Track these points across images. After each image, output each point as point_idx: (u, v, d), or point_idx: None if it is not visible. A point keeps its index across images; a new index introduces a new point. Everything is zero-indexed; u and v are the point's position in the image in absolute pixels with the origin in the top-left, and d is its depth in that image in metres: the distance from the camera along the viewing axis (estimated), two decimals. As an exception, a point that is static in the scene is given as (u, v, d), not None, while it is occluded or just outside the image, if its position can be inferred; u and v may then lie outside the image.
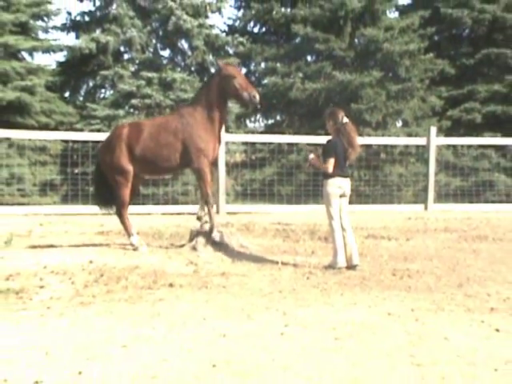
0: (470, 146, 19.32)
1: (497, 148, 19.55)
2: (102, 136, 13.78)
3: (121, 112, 17.66)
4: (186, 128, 9.76)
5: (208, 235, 9.85)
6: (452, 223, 13.48)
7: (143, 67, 19.02)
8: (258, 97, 9.60)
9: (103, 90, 21.17)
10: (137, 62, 19.25)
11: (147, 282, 7.81)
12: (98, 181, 10.36)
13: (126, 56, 20.20)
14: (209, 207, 9.83)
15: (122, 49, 19.79)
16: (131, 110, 18.04)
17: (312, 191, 16.72)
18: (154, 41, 19.75)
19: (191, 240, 10.01)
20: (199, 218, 10.12)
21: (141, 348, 5.50)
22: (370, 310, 6.80)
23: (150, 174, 10.36)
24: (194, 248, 9.79)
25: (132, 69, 18.84)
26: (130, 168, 9.82)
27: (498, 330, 6.18)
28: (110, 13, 19.84)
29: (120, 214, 10.06)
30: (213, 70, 19.80)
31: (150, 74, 18.30)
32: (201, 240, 9.82)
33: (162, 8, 18.89)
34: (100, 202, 10.55)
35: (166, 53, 20.76)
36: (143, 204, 15.18)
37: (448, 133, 19.00)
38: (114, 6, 19.76)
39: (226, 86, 9.70)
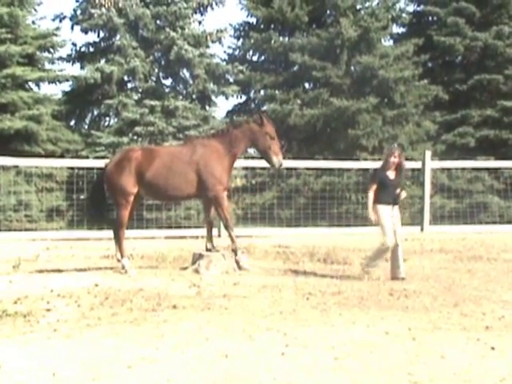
0: (464, 169, 19.53)
1: (490, 171, 19.79)
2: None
3: (125, 139, 17.87)
4: (200, 158, 9.97)
5: (213, 259, 10.06)
6: (447, 244, 13.57)
7: (146, 96, 19.24)
8: (283, 164, 10.31)
9: (108, 118, 21.40)
10: (140, 90, 19.49)
11: (151, 304, 7.90)
12: (95, 196, 10.54)
13: (129, 85, 20.43)
14: (229, 231, 10.11)
15: (125, 78, 20.02)
16: (135, 138, 18.25)
17: (311, 214, 16.88)
18: (156, 70, 20.00)
19: (194, 263, 10.18)
20: (209, 250, 10.32)
21: (145, 368, 5.58)
22: (368, 330, 6.89)
23: (157, 199, 10.55)
24: (197, 271, 9.96)
25: (135, 97, 19.07)
26: (134, 191, 9.97)
27: (493, 348, 6.24)
28: (113, 44, 20.10)
29: (117, 234, 10.17)
30: (213, 98, 20.06)
31: (152, 102, 18.52)
32: (203, 263, 10.01)
33: (164, 38, 19.16)
34: (93, 215, 10.75)
35: (168, 81, 21.01)
36: (147, 228, 15.32)
37: (442, 156, 19.17)
38: (118, 37, 20.02)
39: (261, 142, 10.05)
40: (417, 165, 16.44)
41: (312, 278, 9.99)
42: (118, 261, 10.15)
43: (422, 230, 15.59)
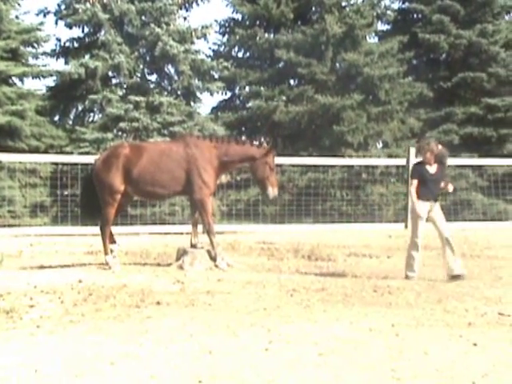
0: (448, 166, 19.59)
1: (474, 168, 19.90)
2: (91, 158, 13.94)
3: (109, 135, 17.83)
4: (191, 157, 9.93)
5: (198, 256, 10.05)
6: (431, 241, 13.59)
7: (131, 91, 19.20)
8: (276, 194, 10.24)
9: (92, 114, 21.30)
10: (125, 86, 19.44)
11: (135, 301, 7.89)
12: (88, 193, 10.46)
13: (114, 81, 20.37)
14: (210, 236, 10.04)
15: (110, 74, 19.96)
16: (119, 133, 18.21)
17: (296, 211, 16.91)
18: (141, 66, 19.95)
19: (178, 259, 10.18)
20: (194, 246, 10.32)
21: (129, 364, 5.56)
22: (352, 326, 6.90)
23: (144, 196, 10.51)
24: (181, 267, 9.96)
25: (120, 93, 19.02)
26: (121, 189, 9.94)
27: (475, 345, 6.27)
28: (98, 39, 20.03)
29: (102, 231, 10.14)
30: (198, 94, 20.04)
31: (137, 98, 18.49)
32: (187, 259, 10.01)
33: (149, 34, 19.12)
34: (86, 214, 10.72)
35: (153, 77, 20.96)
36: (131, 224, 15.28)
37: (427, 154, 19.20)
38: (103, 33, 19.95)
39: (260, 170, 10.06)
40: (401, 162, 16.51)
41: (296, 274, 10.02)
42: (106, 263, 10.11)
43: (406, 227, 15.64)
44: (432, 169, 9.71)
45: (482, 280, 9.79)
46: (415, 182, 9.68)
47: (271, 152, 10.20)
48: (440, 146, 9.86)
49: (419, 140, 20.65)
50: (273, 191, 10.17)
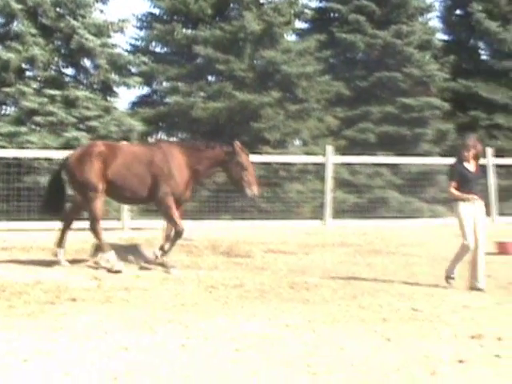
0: (364, 165, 19.97)
1: (389, 166, 20.29)
2: (5, 152, 13.63)
3: (23, 129, 17.39)
4: (160, 162, 9.79)
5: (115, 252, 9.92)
6: (348, 238, 13.88)
7: (46, 85, 18.75)
8: (257, 193, 9.96)
9: (5, 107, 20.72)
10: (39, 79, 18.97)
11: (50, 297, 7.81)
12: (53, 189, 10.28)
13: (28, 73, 19.85)
14: (172, 242, 9.93)
15: (24, 66, 19.47)
16: (34, 127, 17.81)
17: (214, 207, 16.91)
18: (56, 59, 19.51)
19: (95, 255, 10.07)
20: (161, 248, 10.13)
21: (42, 361, 5.48)
22: (269, 322, 6.97)
23: (115, 199, 10.38)
24: (98, 263, 9.85)
25: (35, 86, 18.54)
26: (100, 184, 9.76)
27: (389, 340, 6.41)
28: (11, 30, 19.49)
29: (94, 230, 9.94)
30: (116, 89, 19.78)
31: (53, 92, 18.08)
32: (105, 255, 9.88)
33: (65, 27, 18.73)
34: (50, 209, 10.45)
35: (69, 71, 20.50)
36: (49, 220, 14.89)
37: (344, 151, 19.50)
38: (16, 24, 19.45)
39: (232, 172, 9.92)
40: (319, 159, 16.69)
41: (214, 271, 10.04)
42: (107, 261, 9.83)
43: (323, 224, 15.87)
44: (471, 167, 9.23)
45: (396, 276, 10.04)
46: (454, 183, 9.15)
47: (241, 151, 10.11)
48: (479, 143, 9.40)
49: (336, 139, 20.98)
50: (250, 191, 9.97)
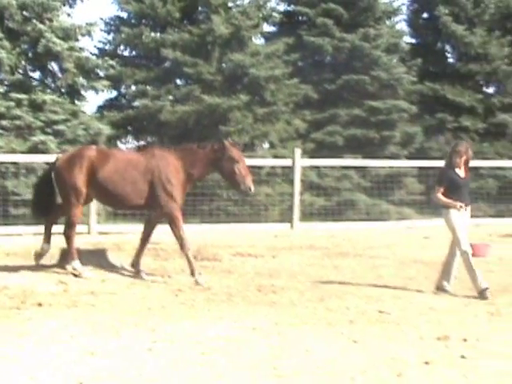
0: (332, 167, 20.06)
1: (357, 169, 20.41)
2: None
3: (-10, 133, 17.28)
4: (155, 168, 9.66)
5: (81, 256, 9.86)
6: (316, 241, 13.90)
7: (13, 88, 18.61)
8: (252, 188, 9.79)
9: (-29, 111, 20.52)
10: (6, 83, 18.82)
11: (15, 302, 7.77)
12: (42, 190, 10.13)
13: (-6, 77, 19.75)
14: (186, 252, 9.72)
15: (-10, 69, 19.36)
16: (0, 131, 17.64)
17: (183, 210, 16.77)
18: (23, 62, 19.37)
19: (61, 260, 10.01)
20: (133, 265, 10.04)
21: (7, 366, 5.47)
22: (235, 325, 7.01)
23: (105, 204, 10.27)
24: (64, 268, 9.80)
25: (1, 90, 18.39)
26: (84, 190, 9.62)
27: (355, 342, 6.49)
28: (-24, 33, 19.37)
29: (67, 235, 9.81)
30: (83, 93, 19.69)
31: (19, 96, 17.95)
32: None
33: (32, 30, 18.60)
34: (37, 211, 10.32)
35: (36, 75, 20.36)
36: (14, 224, 14.77)
37: (312, 154, 19.57)
38: (-19, 27, 19.31)
39: (225, 168, 9.77)
40: (287, 162, 16.74)
41: (181, 274, 10.02)
42: (74, 269, 9.69)
43: (291, 226, 15.87)
44: (461, 172, 9.10)
45: (363, 279, 10.10)
46: (441, 189, 9.00)
47: (232, 146, 10.05)
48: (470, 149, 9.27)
49: (304, 141, 21.05)
50: (245, 186, 9.81)
